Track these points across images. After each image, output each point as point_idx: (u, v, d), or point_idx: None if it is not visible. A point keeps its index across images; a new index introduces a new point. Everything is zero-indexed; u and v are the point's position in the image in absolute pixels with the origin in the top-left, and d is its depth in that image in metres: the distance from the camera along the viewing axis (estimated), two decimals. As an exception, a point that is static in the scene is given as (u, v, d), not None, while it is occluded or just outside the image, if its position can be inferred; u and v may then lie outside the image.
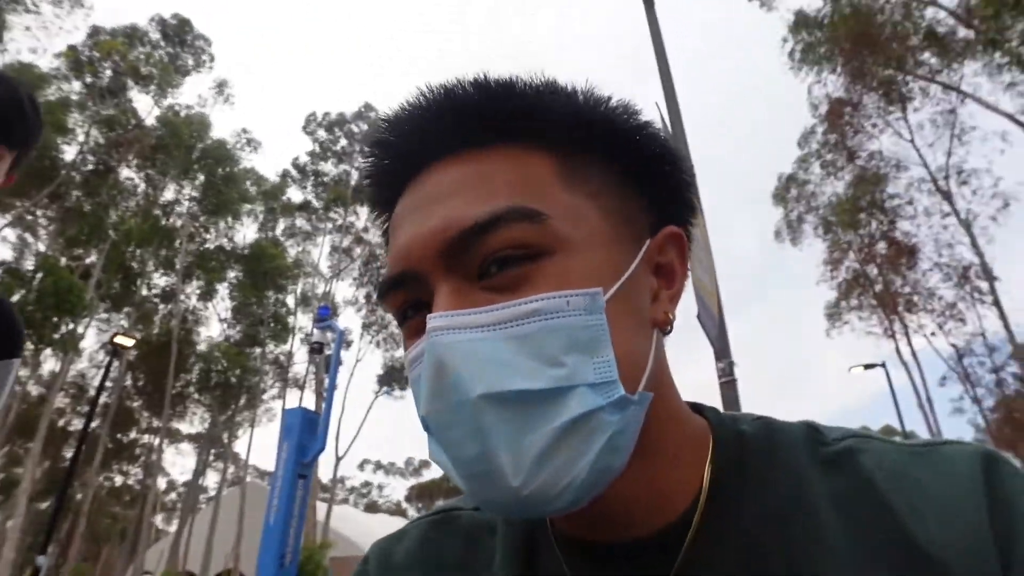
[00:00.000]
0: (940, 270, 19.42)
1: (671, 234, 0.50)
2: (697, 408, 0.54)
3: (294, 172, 35.52)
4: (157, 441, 31.03)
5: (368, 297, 37.61)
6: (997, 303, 16.38)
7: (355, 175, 35.66)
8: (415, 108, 0.48)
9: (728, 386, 6.17)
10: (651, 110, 0.50)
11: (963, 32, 14.75)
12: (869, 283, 21.54)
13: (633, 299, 0.45)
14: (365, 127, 36.10)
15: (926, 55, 16.69)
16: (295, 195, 35.70)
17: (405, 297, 0.46)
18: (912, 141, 18.70)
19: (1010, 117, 13.42)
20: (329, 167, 35.81)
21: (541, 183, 0.44)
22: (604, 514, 0.46)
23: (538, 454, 0.38)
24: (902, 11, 16.65)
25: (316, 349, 12.92)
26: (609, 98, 0.50)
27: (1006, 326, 16.18)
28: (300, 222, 35.63)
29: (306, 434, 8.80)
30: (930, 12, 15.87)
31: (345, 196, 34.65)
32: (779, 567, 0.43)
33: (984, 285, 17.27)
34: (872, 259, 21.15)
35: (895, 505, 0.44)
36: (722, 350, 6.43)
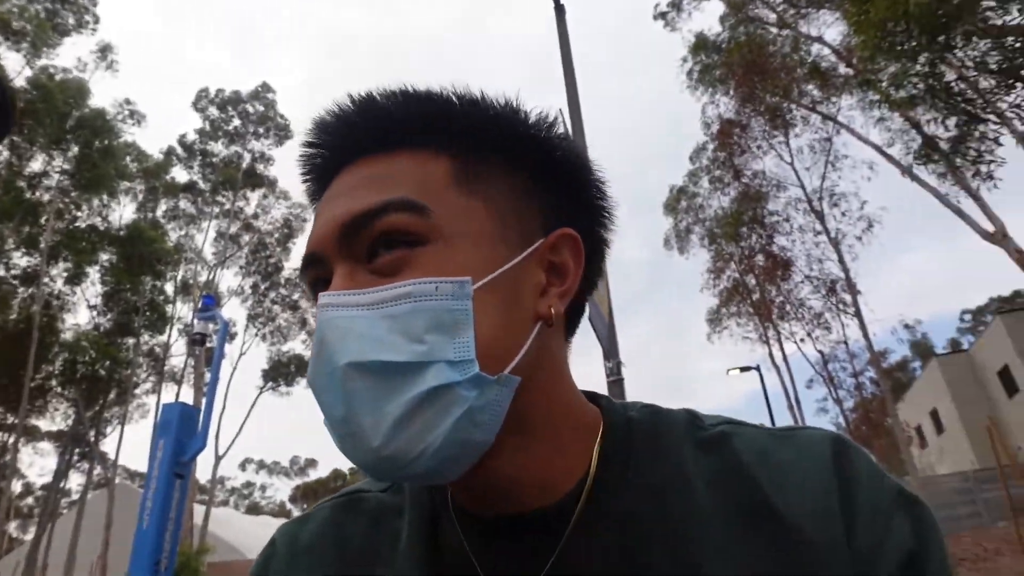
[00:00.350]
0: (811, 282, 20.99)
1: (563, 235, 0.53)
2: (592, 396, 0.59)
3: (180, 150, 33.39)
4: (12, 439, 28.23)
5: (255, 287, 36.05)
6: (859, 314, 17.89)
7: (247, 157, 34.12)
8: (338, 113, 0.53)
9: (616, 385, 6.40)
10: (555, 116, 0.56)
11: (843, 69, 16.06)
12: (747, 292, 23.00)
13: (510, 292, 0.48)
14: (261, 108, 34.53)
15: (809, 87, 18.06)
16: (180, 175, 33.64)
17: (315, 275, 0.51)
18: (792, 164, 20.16)
19: (877, 148, 14.82)
20: (219, 147, 33.96)
21: (434, 182, 0.49)
22: (491, 489, 0.50)
23: (396, 419, 0.43)
24: (791, 44, 17.90)
25: (197, 340, 12.18)
26: (513, 106, 0.54)
27: (865, 335, 17.73)
28: (184, 204, 33.64)
29: (184, 431, 8.30)
30: (816, 48, 17.18)
31: (235, 179, 32.99)
32: (658, 538, 0.49)
33: (848, 298, 18.83)
34: (751, 270, 22.57)
35: (760, 480, 0.50)
36: (611, 350, 6.65)
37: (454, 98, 0.53)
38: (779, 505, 0.49)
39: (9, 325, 28.14)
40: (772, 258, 21.50)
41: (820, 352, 21.76)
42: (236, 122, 34.23)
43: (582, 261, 0.54)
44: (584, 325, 0.61)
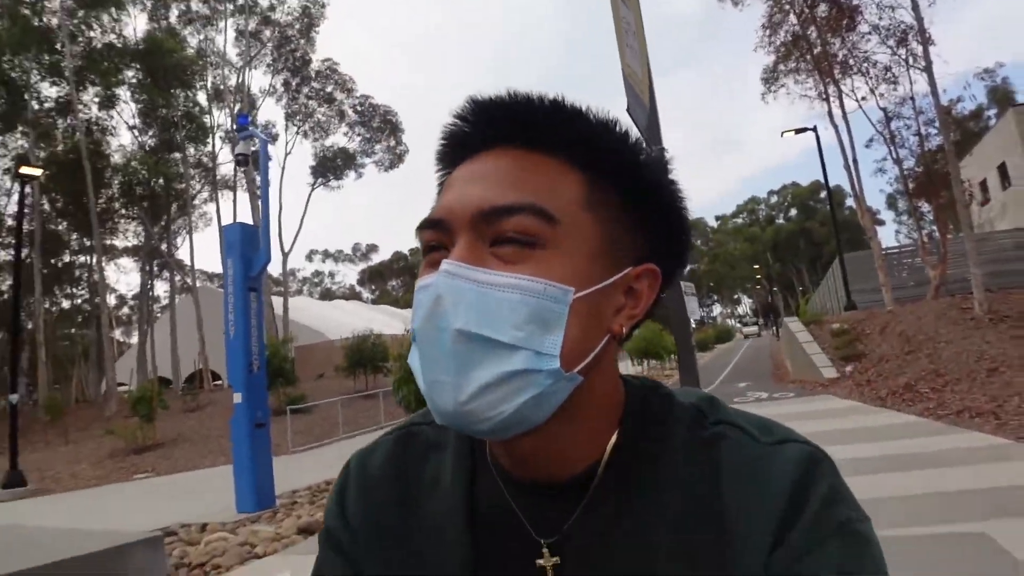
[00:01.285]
0: (878, 33, 18.78)
1: (648, 270, 0.59)
2: (624, 380, 0.64)
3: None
4: (95, 259, 30.27)
5: (287, 84, 34.98)
6: (929, 67, 16.18)
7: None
8: (495, 100, 0.59)
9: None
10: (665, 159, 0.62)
11: None
12: (808, 46, 20.89)
13: (597, 307, 0.55)
14: None
15: None
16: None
17: (434, 236, 0.57)
18: None
19: None
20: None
21: (566, 196, 0.55)
22: (526, 457, 0.59)
23: (482, 385, 0.51)
24: None
25: (241, 161, 12.27)
26: (637, 140, 0.59)
27: (933, 90, 16.17)
28: (195, 5, 31.77)
29: (248, 248, 8.70)
30: None
31: (240, -31, 30.53)
32: (632, 535, 0.56)
33: (919, 49, 16.88)
34: (812, 21, 20.27)
35: (724, 491, 0.56)
36: (652, 137, 6.32)
37: (592, 118, 0.58)
38: (731, 519, 0.54)
39: (60, 156, 28.70)
40: (837, 6, 19.19)
41: (883, 110, 20.18)
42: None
43: (656, 293, 0.60)
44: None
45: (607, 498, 0.58)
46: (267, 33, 33.27)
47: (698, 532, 0.55)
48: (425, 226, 0.58)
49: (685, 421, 0.60)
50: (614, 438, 0.59)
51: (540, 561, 0.59)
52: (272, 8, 33.14)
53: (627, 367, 27.17)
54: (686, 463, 0.58)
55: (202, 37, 32.47)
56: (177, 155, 31.60)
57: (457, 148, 0.61)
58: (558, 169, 0.56)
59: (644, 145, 0.59)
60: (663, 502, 0.56)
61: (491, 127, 0.58)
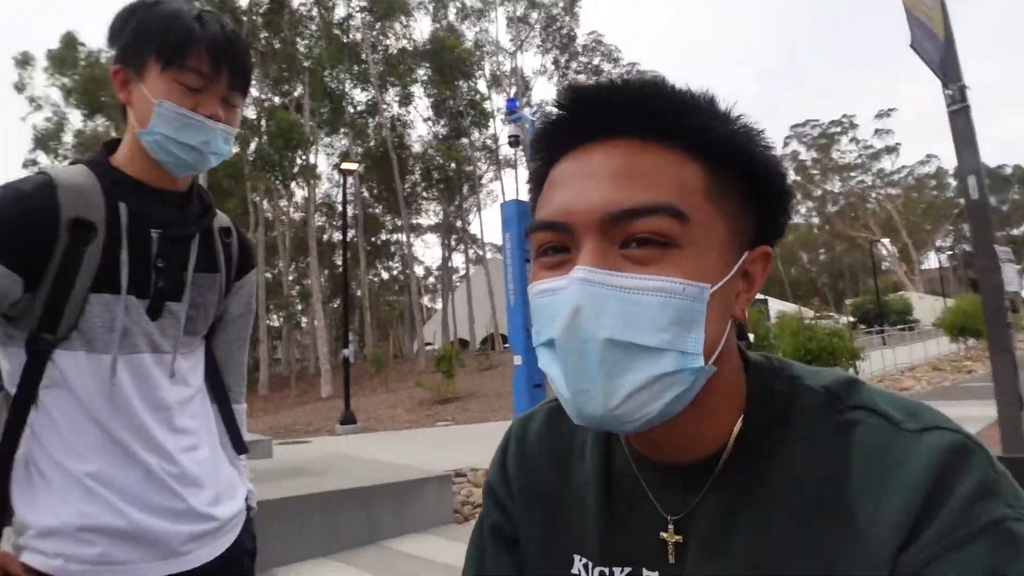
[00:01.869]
0: None
1: (763, 253, 0.59)
2: (746, 361, 0.63)
3: (450, -52, 33.63)
4: (404, 237, 35.06)
5: (556, 63, 36.43)
6: None
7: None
8: (603, 87, 0.57)
9: (959, 115, 5.33)
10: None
11: None
12: None
13: (725, 295, 0.55)
14: None
15: None
16: (457, -28, 34.17)
17: (552, 238, 0.56)
18: None
19: None
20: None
21: (692, 190, 0.53)
22: (657, 442, 0.60)
23: (631, 390, 0.51)
24: None
25: (514, 142, 13.30)
26: (752, 124, 0.57)
27: None
28: (469, 1, 34.47)
29: (524, 222, 9.48)
30: None
31: (507, -42, 32.31)
32: (755, 514, 0.55)
33: None
34: None
35: (854, 480, 0.52)
36: (949, 73, 5.46)
37: (705, 103, 0.56)
38: (859, 510, 0.50)
39: (372, 151, 33.72)
40: None
41: None
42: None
43: (767, 273, 0.60)
44: None
45: (731, 482, 0.58)
46: (534, 16, 34.76)
47: (820, 524, 0.52)
48: (540, 228, 0.56)
49: (814, 405, 0.58)
50: (739, 424, 0.59)
51: (664, 535, 0.60)
52: (537, -10, 34.51)
53: (939, 345, 23.61)
54: (813, 450, 0.55)
55: (477, 29, 35.06)
56: (465, 140, 34.82)
57: (560, 139, 0.59)
58: (678, 161, 0.54)
59: (744, 119, 0.57)
60: (786, 490, 0.55)
61: (603, 117, 0.56)
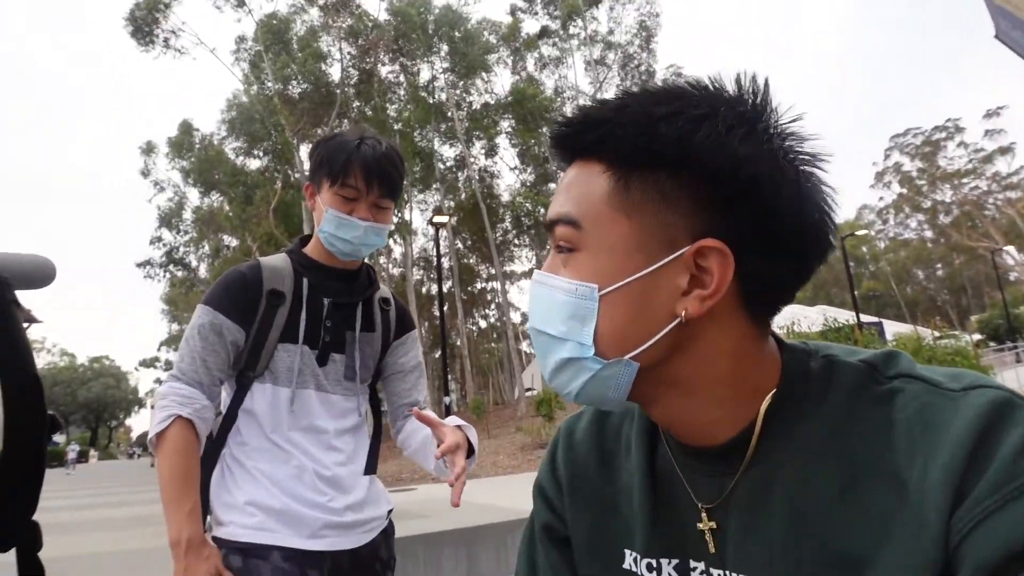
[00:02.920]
0: None
1: (704, 247, 0.56)
2: (785, 347, 0.64)
3: (520, 3, 34.76)
4: (499, 285, 35.65)
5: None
6: None
7: (581, -21, 33.70)
8: (554, 132, 0.65)
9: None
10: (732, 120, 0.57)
11: None
12: None
13: (641, 295, 0.57)
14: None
15: None
16: (531, 26, 35.29)
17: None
18: None
19: None
20: (553, -19, 34.26)
21: (592, 198, 0.60)
22: (669, 425, 0.65)
23: (552, 369, 0.61)
24: None
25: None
26: (675, 114, 0.56)
27: None
28: (546, 50, 35.33)
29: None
30: None
31: (577, 6, 33.05)
32: (794, 491, 0.56)
33: None
34: None
35: (898, 444, 0.52)
36: (1047, 61, 5.13)
37: (620, 112, 0.59)
38: (907, 475, 0.50)
39: (463, 203, 34.78)
40: None
41: None
42: (555, -51, 33.82)
43: (730, 270, 0.56)
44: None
45: (764, 462, 0.58)
46: (611, 56, 35.18)
47: (867, 492, 0.52)
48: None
49: (852, 379, 0.58)
50: (767, 402, 0.59)
51: (700, 525, 0.62)
52: (611, 32, 35.01)
53: None
54: (852, 421, 0.55)
55: (556, 77, 35.80)
56: (552, 185, 35.26)
57: (559, 164, 0.68)
58: (593, 173, 0.60)
59: (712, 117, 0.56)
60: (826, 461, 0.55)
61: (561, 148, 0.65)
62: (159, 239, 33.19)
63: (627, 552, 0.69)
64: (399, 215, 27.11)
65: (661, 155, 0.57)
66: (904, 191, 54.27)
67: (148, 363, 61.68)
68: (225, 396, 1.58)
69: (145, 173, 33.50)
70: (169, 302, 43.99)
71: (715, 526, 0.61)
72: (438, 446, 1.47)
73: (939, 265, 62.24)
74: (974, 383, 0.52)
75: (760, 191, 0.55)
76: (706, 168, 0.56)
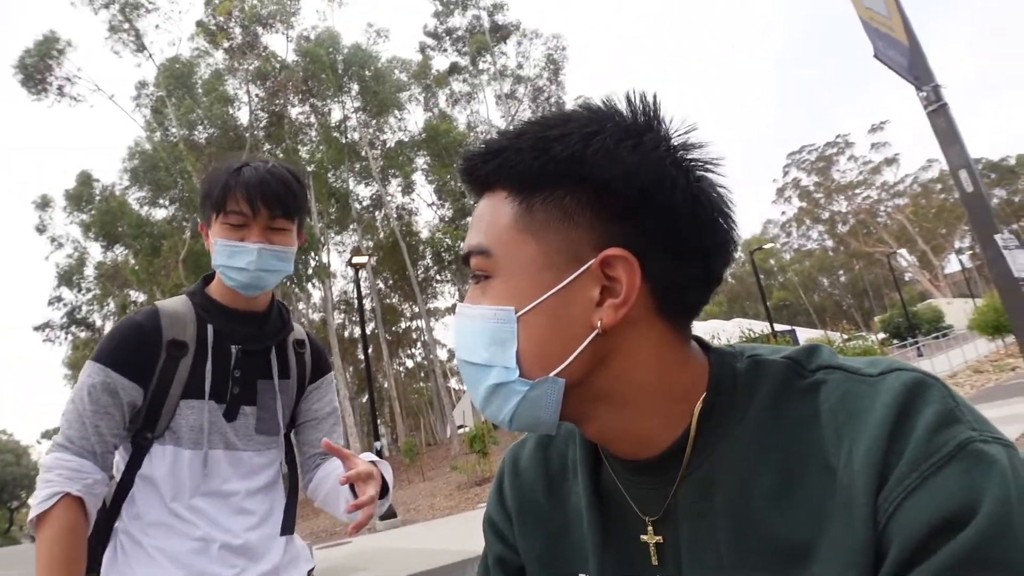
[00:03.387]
0: None
1: (609, 256, 0.57)
2: (711, 352, 0.65)
3: (430, 41, 35.14)
4: (423, 323, 35.24)
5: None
6: None
7: (485, 16, 34.47)
8: (460, 167, 0.66)
9: (938, 114, 5.36)
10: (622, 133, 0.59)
11: None
12: None
13: (557, 310, 0.58)
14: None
15: None
16: (441, 63, 35.62)
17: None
18: None
19: None
20: (458, 19, 34.86)
21: (500, 225, 0.61)
22: (605, 441, 0.64)
23: (482, 398, 0.61)
24: None
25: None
26: (566, 135, 0.58)
27: None
28: (457, 86, 35.79)
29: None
30: None
31: (485, 42, 33.73)
32: (726, 496, 0.57)
33: None
34: None
35: (825, 434, 0.53)
36: (921, 76, 5.52)
37: (518, 139, 0.61)
38: (834, 461, 0.52)
39: (382, 242, 34.39)
40: None
41: None
42: (460, -13, 34.51)
43: (637, 277, 0.57)
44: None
45: (702, 466, 0.59)
46: (521, 90, 35.96)
47: (803, 484, 0.53)
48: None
49: (776, 376, 0.59)
50: (698, 408, 0.60)
51: (644, 537, 0.63)
52: (520, 66, 35.86)
53: (976, 348, 22.97)
54: (779, 417, 0.57)
55: (468, 111, 36.25)
56: (470, 219, 35.47)
57: (471, 193, 0.68)
58: (498, 202, 0.62)
59: (599, 132, 0.58)
60: (761, 461, 0.56)
61: (467, 180, 0.66)
62: (59, 299, 31.24)
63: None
64: (316, 257, 26.44)
65: (557, 174, 0.58)
66: (804, 204, 57.60)
67: (50, 434, 57.36)
68: (118, 459, 1.40)
69: (41, 229, 31.52)
70: (72, 366, 41.14)
71: (661, 539, 0.61)
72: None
73: (841, 272, 66.25)
74: (890, 367, 0.55)
75: (652, 197, 0.57)
76: (599, 181, 0.57)
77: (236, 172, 1.41)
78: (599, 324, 0.57)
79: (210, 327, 1.42)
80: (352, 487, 1.33)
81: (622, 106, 0.60)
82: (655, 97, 0.61)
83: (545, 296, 0.58)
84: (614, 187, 0.57)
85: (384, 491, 1.40)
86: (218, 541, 1.36)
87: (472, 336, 0.61)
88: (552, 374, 0.58)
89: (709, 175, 0.60)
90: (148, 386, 1.36)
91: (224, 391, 1.42)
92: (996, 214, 4.99)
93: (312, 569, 1.57)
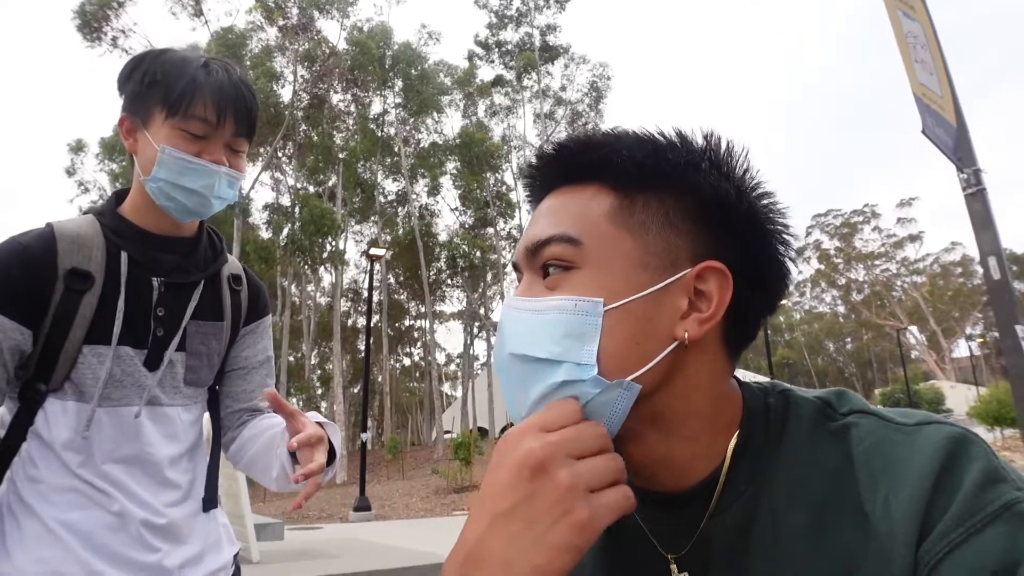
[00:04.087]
0: None
1: (708, 268, 0.57)
2: (743, 385, 0.64)
3: (479, 50, 35.55)
4: (427, 324, 35.29)
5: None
6: None
7: (537, 35, 34.78)
8: (547, 153, 0.64)
9: (976, 198, 5.39)
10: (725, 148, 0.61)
11: None
12: None
13: (645, 314, 0.56)
14: (535, -19, 34.48)
15: None
16: (486, 73, 35.98)
17: (519, 277, 0.64)
18: None
19: None
20: (510, 34, 35.25)
21: (593, 217, 0.58)
22: (638, 468, 0.60)
23: (535, 399, 0.56)
24: None
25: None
26: (677, 145, 0.59)
27: None
28: (498, 98, 36.05)
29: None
30: None
31: (533, 60, 34.01)
32: (759, 535, 0.56)
33: None
34: None
35: (859, 480, 0.53)
36: (964, 158, 5.55)
37: (620, 140, 0.60)
38: (869, 507, 0.51)
39: (400, 238, 34.56)
40: None
41: None
42: (516, 3, 34.87)
43: (728, 293, 0.57)
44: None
45: (733, 505, 0.57)
46: (560, 112, 36.22)
47: (834, 529, 0.52)
48: (514, 269, 0.66)
49: (808, 415, 0.59)
50: (733, 442, 0.59)
51: None
52: (563, 88, 36.12)
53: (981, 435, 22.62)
54: (812, 457, 0.56)
55: (505, 125, 36.51)
56: (490, 229, 35.63)
57: (534, 196, 0.68)
58: (590, 194, 0.60)
59: (706, 148, 0.60)
60: (793, 501, 0.55)
61: (543, 174, 0.65)
62: (75, 242, 31.42)
63: None
64: (333, 243, 26.59)
65: (668, 177, 0.58)
66: (822, 267, 57.38)
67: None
68: (3, 413, 1.13)
69: (71, 172, 31.87)
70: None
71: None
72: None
73: (849, 339, 65.74)
74: (926, 419, 0.55)
75: (755, 221, 0.59)
76: (710, 192, 0.58)
77: (204, 68, 1.16)
78: (685, 336, 0.56)
79: (124, 255, 1.15)
80: (292, 453, 1.15)
81: (699, 139, 0.61)
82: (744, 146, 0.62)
83: (638, 295, 0.56)
84: (724, 202, 0.58)
85: (331, 458, 1.16)
86: (138, 518, 1.12)
87: (537, 329, 0.57)
88: (629, 378, 0.55)
89: (777, 210, 0.62)
90: (39, 328, 1.08)
91: (144, 334, 1.16)
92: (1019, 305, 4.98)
93: (237, 553, 1.34)
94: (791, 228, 0.62)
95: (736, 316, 0.58)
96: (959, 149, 5.59)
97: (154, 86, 1.14)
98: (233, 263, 1.34)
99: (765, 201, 0.60)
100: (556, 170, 0.63)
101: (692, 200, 0.58)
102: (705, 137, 0.60)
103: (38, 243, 1.09)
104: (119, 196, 1.24)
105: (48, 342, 1.09)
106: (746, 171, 0.60)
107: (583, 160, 0.61)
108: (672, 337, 0.56)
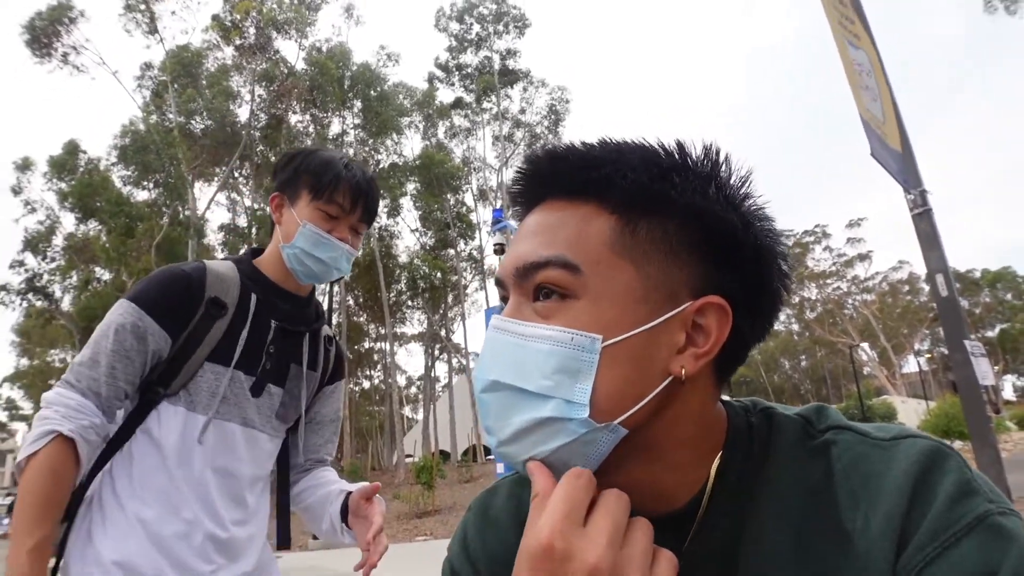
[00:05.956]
0: None
1: (708, 303, 0.55)
2: (726, 404, 0.63)
3: (439, 73, 35.68)
4: (387, 346, 34.90)
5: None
6: None
7: (496, 59, 35.16)
8: (538, 160, 0.60)
9: (922, 218, 5.60)
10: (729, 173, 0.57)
11: None
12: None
13: (643, 349, 0.53)
14: (494, 6, 34.93)
15: None
16: (446, 95, 36.13)
17: (503, 294, 0.60)
18: None
19: None
20: (469, 57, 35.52)
21: (592, 241, 0.55)
22: (630, 495, 0.56)
23: (516, 430, 0.53)
24: None
25: (499, 250, 13.67)
26: (683, 167, 0.56)
27: None
28: (457, 120, 36.22)
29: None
30: None
31: (492, 83, 34.31)
32: (744, 555, 0.55)
33: None
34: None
35: (839, 497, 0.53)
36: (910, 179, 5.77)
37: (622, 156, 0.56)
38: (850, 525, 0.51)
39: (359, 259, 34.23)
40: None
41: None
42: (476, 28, 35.22)
43: (727, 328, 0.55)
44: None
45: (717, 524, 0.57)
46: (519, 134, 36.54)
47: (817, 547, 0.52)
48: (497, 284, 0.63)
49: (790, 434, 0.59)
50: (716, 463, 0.58)
51: None
52: (522, 111, 36.52)
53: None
54: (794, 476, 0.56)
55: (465, 146, 36.66)
56: (451, 251, 35.57)
57: (521, 207, 0.64)
58: (586, 214, 0.56)
59: (714, 170, 0.57)
60: (776, 521, 0.55)
61: (535, 183, 0.61)
62: (21, 263, 30.23)
63: None
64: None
65: (676, 203, 0.55)
66: (775, 288, 58.49)
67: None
68: (101, 422, 1.28)
69: (16, 191, 30.74)
70: (22, 334, 39.86)
71: None
72: (344, 510, 1.40)
73: (803, 356, 67.26)
74: (901, 433, 0.55)
75: (759, 251, 0.56)
76: (715, 222, 0.55)
77: (345, 166, 1.42)
78: (682, 372, 0.54)
79: (254, 296, 1.38)
80: (346, 516, 1.39)
81: (695, 153, 0.58)
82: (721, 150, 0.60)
83: (637, 331, 0.53)
84: (730, 232, 0.55)
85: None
86: (204, 530, 1.27)
87: (528, 359, 0.53)
88: (616, 421, 0.52)
89: (776, 236, 0.60)
90: (177, 339, 1.29)
91: (255, 364, 1.36)
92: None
93: None
94: (789, 256, 0.60)
95: (731, 346, 0.57)
96: (904, 171, 5.82)
97: (307, 174, 1.41)
98: (326, 328, 1.57)
99: (767, 228, 0.58)
100: (550, 182, 0.59)
101: (696, 228, 0.55)
102: (709, 156, 0.58)
103: (196, 273, 1.33)
104: (255, 252, 1.50)
105: (179, 353, 1.29)
106: (749, 196, 0.58)
107: (579, 178, 0.57)
108: (667, 373, 0.54)
